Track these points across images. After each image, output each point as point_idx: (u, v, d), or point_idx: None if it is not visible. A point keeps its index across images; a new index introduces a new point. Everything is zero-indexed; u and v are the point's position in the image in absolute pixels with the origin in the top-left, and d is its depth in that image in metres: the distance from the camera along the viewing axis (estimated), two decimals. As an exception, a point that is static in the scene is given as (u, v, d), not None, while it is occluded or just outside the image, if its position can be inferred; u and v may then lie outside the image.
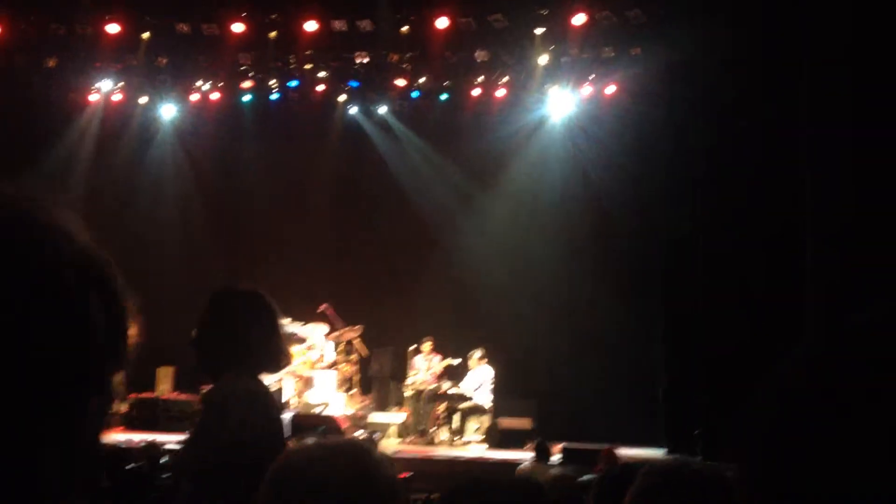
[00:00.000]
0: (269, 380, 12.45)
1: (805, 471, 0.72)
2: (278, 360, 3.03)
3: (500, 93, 15.56)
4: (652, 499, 1.74)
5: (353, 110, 16.59)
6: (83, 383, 0.75)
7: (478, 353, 13.15)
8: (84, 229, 0.81)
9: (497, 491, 1.96)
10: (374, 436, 11.62)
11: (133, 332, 0.81)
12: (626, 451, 9.04)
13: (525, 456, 10.00)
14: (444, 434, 12.91)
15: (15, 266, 0.72)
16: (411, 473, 7.93)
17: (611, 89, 15.03)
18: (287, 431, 11.12)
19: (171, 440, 9.28)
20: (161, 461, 6.93)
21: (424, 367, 13.51)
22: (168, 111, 16.56)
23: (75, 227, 0.79)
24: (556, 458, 9.22)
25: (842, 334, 0.76)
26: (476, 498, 1.93)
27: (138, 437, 9.62)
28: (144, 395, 13.69)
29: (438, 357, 13.54)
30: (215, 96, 16.17)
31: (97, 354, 0.77)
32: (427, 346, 13.61)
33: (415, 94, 15.90)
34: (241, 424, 2.68)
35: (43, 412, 0.71)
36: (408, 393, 13.43)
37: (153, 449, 7.05)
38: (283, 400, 12.95)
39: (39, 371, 0.71)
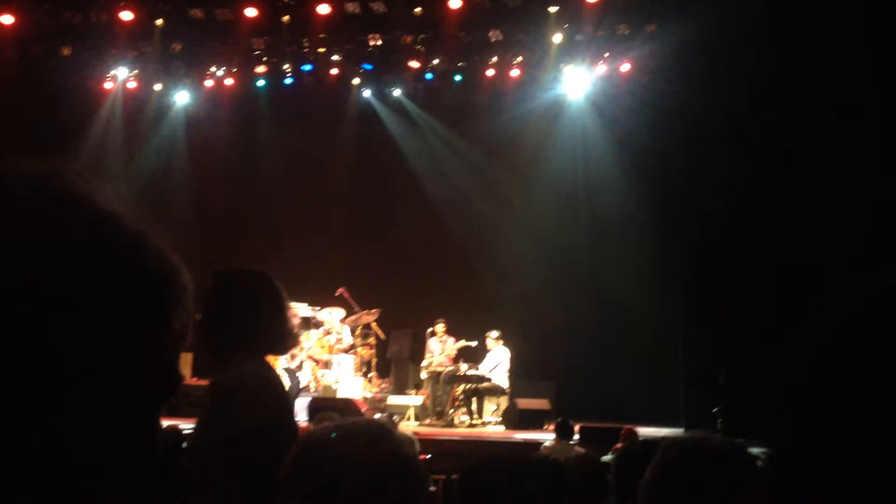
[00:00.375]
0: (285, 362, 12.49)
1: (835, 443, 0.71)
2: (286, 341, 2.98)
3: (515, 73, 15.48)
4: (673, 472, 1.72)
5: (368, 93, 16.56)
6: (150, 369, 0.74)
7: (494, 334, 13.15)
8: (158, 232, 0.80)
9: (517, 469, 1.96)
10: (392, 418, 11.66)
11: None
12: (645, 431, 9.03)
13: (543, 437, 10.01)
14: (462, 415, 12.94)
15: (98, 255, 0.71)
16: (430, 455, 7.95)
17: (626, 67, 14.92)
18: (304, 415, 11.19)
19: (192, 426, 9.36)
20: (183, 446, 6.97)
21: (439, 349, 13.53)
22: (183, 97, 16.60)
23: (119, 203, 0.79)
24: (575, 437, 9.21)
25: (865, 301, 0.74)
26: (495, 476, 1.92)
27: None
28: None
29: (452, 339, 13.56)
30: (230, 82, 16.18)
31: (163, 349, 0.76)
32: (440, 328, 13.62)
33: (429, 76, 15.85)
34: (255, 410, 2.66)
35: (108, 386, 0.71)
36: (424, 375, 13.46)
37: (175, 434, 7.09)
38: (302, 384, 13.01)
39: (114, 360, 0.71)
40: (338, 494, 1.34)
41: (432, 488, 6.79)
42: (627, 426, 8.57)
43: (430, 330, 13.70)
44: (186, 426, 8.61)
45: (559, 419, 8.87)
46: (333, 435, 1.42)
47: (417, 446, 1.49)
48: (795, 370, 0.76)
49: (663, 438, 2.06)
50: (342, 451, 1.38)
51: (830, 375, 0.73)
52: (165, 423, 8.46)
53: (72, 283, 0.70)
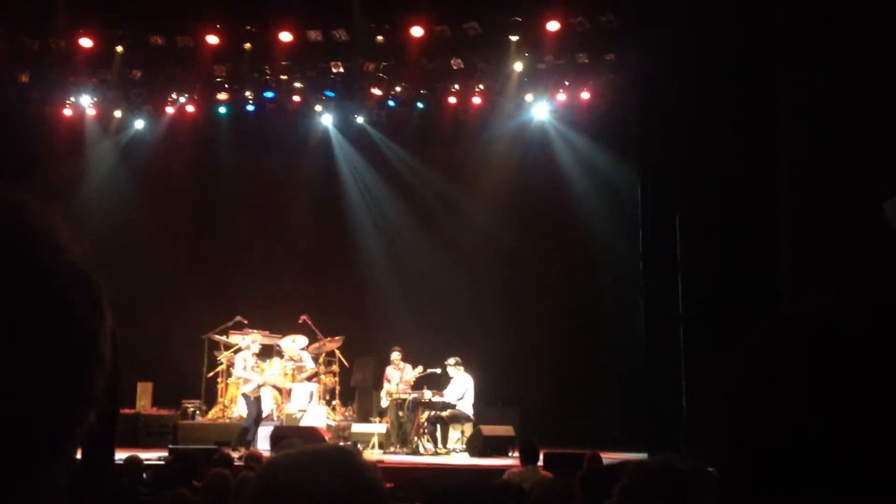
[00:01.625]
0: (247, 388, 12.42)
1: (761, 465, 0.73)
2: None
3: (477, 100, 15.60)
4: (638, 494, 1.74)
5: (330, 120, 16.58)
6: (73, 391, 0.74)
7: (452, 361, 13.10)
8: (77, 238, 0.80)
9: (479, 495, 1.96)
10: (357, 446, 11.57)
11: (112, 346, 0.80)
12: (609, 456, 9.04)
13: (509, 463, 9.96)
14: (427, 443, 12.87)
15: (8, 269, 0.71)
16: (394, 484, 7.89)
17: (586, 95, 15.12)
18: (267, 443, 11.06)
19: (152, 456, 9.21)
20: (142, 476, 6.87)
21: (396, 376, 13.47)
22: (143, 124, 16.50)
23: (69, 235, 0.79)
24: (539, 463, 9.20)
25: (779, 327, 0.78)
26: (466, 490, 1.93)
27: (119, 454, 9.52)
28: (124, 411, 13.58)
29: (409, 366, 13.49)
30: (191, 108, 16.11)
31: (87, 362, 0.76)
32: (396, 355, 13.54)
33: (391, 104, 15.92)
34: None
35: (39, 418, 0.70)
36: (385, 403, 13.39)
37: (134, 464, 6.99)
38: (265, 413, 12.90)
39: (32, 376, 0.70)
40: None
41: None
42: (591, 451, 8.58)
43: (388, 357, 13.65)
44: (146, 455, 8.49)
45: (523, 442, 8.84)
46: (294, 461, 1.42)
47: (379, 474, 1.48)
48: (719, 403, 0.79)
49: (628, 462, 2.08)
50: (305, 477, 1.38)
51: (742, 406, 0.76)
52: (126, 453, 8.34)
53: (12, 313, 0.70)
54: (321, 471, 1.38)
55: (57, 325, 0.73)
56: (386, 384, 13.48)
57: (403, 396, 13.10)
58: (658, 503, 1.69)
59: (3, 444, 0.69)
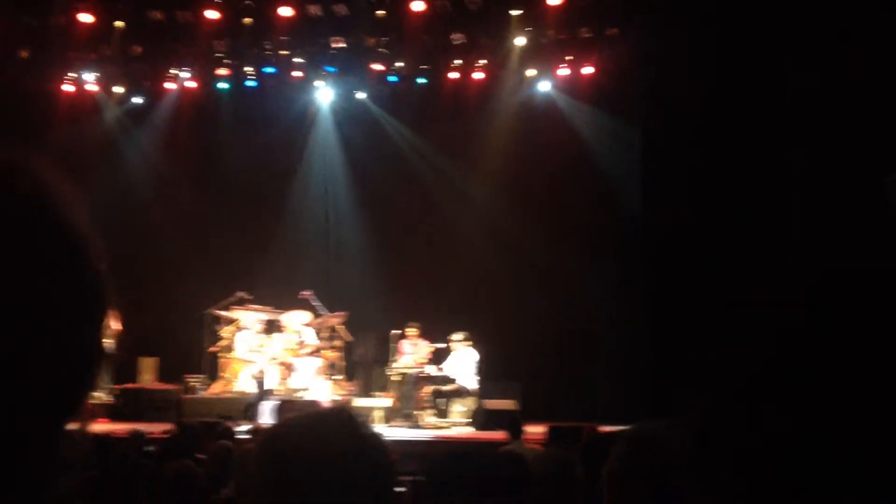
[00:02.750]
0: (252, 368, 12.52)
1: None
2: None
3: (479, 75, 15.54)
4: (636, 457, 1.76)
5: (330, 95, 16.52)
6: (66, 347, 0.75)
7: (458, 336, 13.15)
8: (80, 206, 0.81)
9: (480, 461, 1.98)
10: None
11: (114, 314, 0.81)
12: (611, 430, 9.08)
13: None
14: (429, 417, 12.94)
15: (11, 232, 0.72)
16: (397, 457, 7.93)
17: (588, 70, 15.05)
18: (272, 417, 11.13)
19: (156, 430, 9.27)
20: (146, 449, 6.93)
21: (411, 351, 13.50)
22: (143, 100, 16.46)
23: (70, 202, 0.79)
24: (539, 435, 9.25)
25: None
26: (460, 469, 1.94)
27: (123, 428, 9.58)
28: (128, 385, 13.65)
29: (425, 342, 13.52)
30: (191, 84, 16.07)
31: (80, 323, 0.77)
32: (412, 331, 13.58)
33: (392, 79, 15.86)
34: None
35: (28, 378, 0.71)
36: (394, 377, 13.44)
37: (138, 437, 7.04)
38: (267, 387, 12.96)
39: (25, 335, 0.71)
40: (304, 483, 1.34)
41: (402, 489, 6.79)
42: (589, 424, 8.62)
43: (394, 332, 13.66)
44: (151, 428, 8.56)
45: (508, 417, 8.89)
46: (299, 423, 1.43)
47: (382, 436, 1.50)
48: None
49: (624, 431, 2.10)
50: (308, 439, 1.39)
51: None
52: (130, 426, 8.40)
53: (23, 277, 0.71)
54: (324, 433, 1.39)
55: (62, 286, 0.74)
56: (399, 358, 13.50)
57: (405, 371, 13.15)
58: (653, 465, 1.70)
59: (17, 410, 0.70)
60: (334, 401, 13.14)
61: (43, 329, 0.71)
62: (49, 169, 0.80)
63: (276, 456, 1.41)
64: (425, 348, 13.42)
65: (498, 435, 10.98)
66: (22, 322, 0.70)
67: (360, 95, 16.41)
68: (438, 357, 13.43)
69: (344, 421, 1.43)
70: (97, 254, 0.78)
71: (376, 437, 1.45)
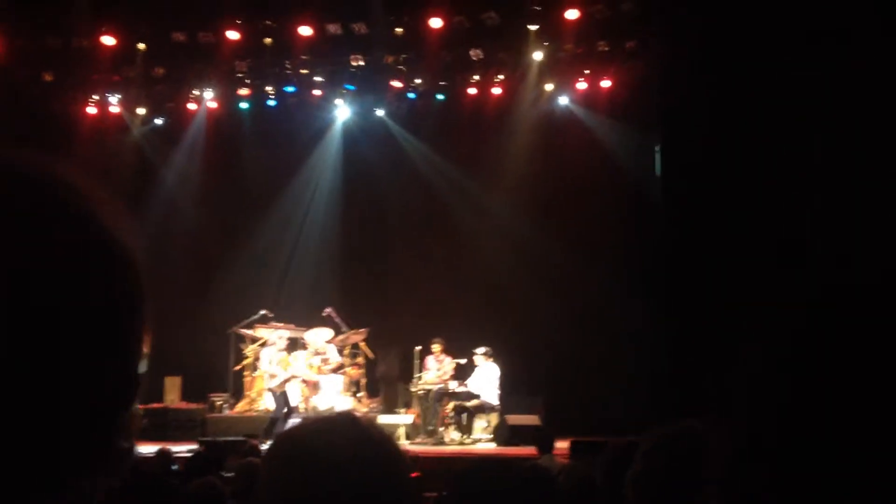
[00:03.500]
0: (273, 383, 12.55)
1: None
2: None
3: (497, 90, 15.58)
4: (660, 456, 1.77)
5: (351, 113, 16.62)
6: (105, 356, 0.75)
7: (481, 350, 13.15)
8: (120, 214, 0.81)
9: (507, 473, 1.98)
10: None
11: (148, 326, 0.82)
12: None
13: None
14: (453, 433, 12.92)
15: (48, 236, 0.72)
16: (421, 474, 7.92)
17: (606, 84, 15.06)
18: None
19: (181, 449, 9.32)
20: (173, 467, 6.96)
21: (435, 367, 13.51)
22: (165, 121, 16.63)
23: (112, 213, 0.80)
24: (562, 450, 9.23)
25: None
26: (486, 481, 1.95)
27: (149, 448, 9.63)
28: (153, 405, 13.72)
29: (449, 358, 13.52)
30: (213, 105, 16.21)
31: (117, 330, 0.77)
32: (437, 347, 13.58)
33: (411, 96, 15.94)
34: None
35: (66, 375, 0.71)
36: (418, 393, 13.43)
37: (166, 455, 7.07)
38: (290, 405, 12.98)
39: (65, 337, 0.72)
40: (312, 483, 1.35)
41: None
42: (613, 439, 8.58)
43: (418, 348, 13.67)
44: (175, 448, 8.60)
45: (538, 432, 8.86)
46: (310, 427, 1.44)
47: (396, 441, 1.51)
48: None
49: (643, 439, 2.10)
50: (319, 442, 1.40)
51: None
52: (155, 446, 8.44)
53: (61, 285, 0.71)
54: (336, 435, 1.40)
55: (110, 299, 0.74)
56: (425, 374, 13.50)
57: (428, 387, 13.15)
58: (677, 463, 1.71)
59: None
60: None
61: (86, 346, 0.72)
62: (90, 181, 0.81)
63: (285, 457, 1.43)
64: (449, 364, 13.42)
65: (524, 451, 10.96)
66: (67, 337, 0.71)
67: (380, 113, 16.49)
68: (462, 373, 13.42)
69: (355, 424, 1.44)
70: (140, 268, 0.79)
71: (388, 440, 1.46)
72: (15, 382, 0.69)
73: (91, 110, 16.10)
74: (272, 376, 12.84)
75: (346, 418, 1.47)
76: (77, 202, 0.76)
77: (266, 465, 1.46)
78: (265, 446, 9.93)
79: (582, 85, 15.36)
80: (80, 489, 0.74)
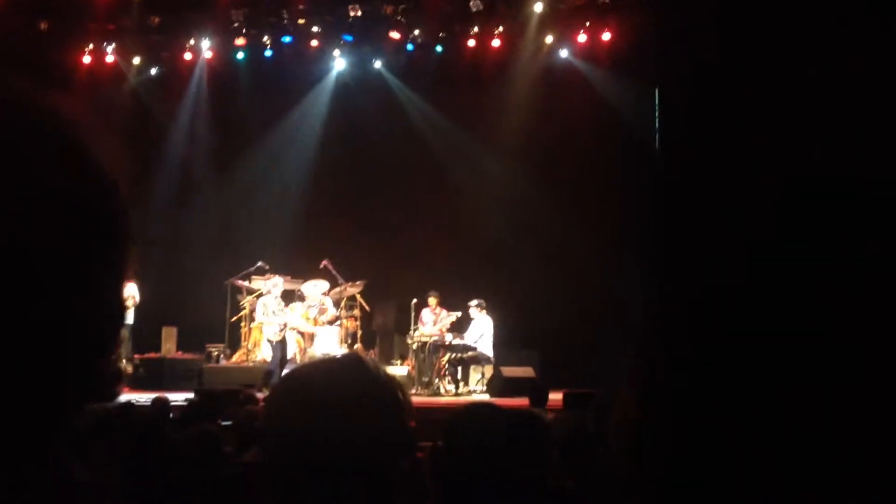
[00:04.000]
0: (270, 332, 12.56)
1: None
2: None
3: (496, 43, 15.44)
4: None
5: (348, 65, 16.47)
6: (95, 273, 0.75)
7: (475, 303, 13.20)
8: (107, 146, 0.81)
9: (502, 415, 2.00)
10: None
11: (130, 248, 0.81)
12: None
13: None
14: (448, 385, 13.02)
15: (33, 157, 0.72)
16: (415, 424, 7.98)
17: (607, 36, 14.92)
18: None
19: (178, 398, 9.37)
20: (169, 416, 7.01)
21: (431, 320, 13.56)
22: (162, 71, 16.47)
23: (96, 140, 0.79)
24: (555, 402, 9.29)
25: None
26: (482, 420, 1.97)
27: (145, 396, 9.70)
28: (150, 355, 13.79)
29: (445, 311, 13.56)
30: (209, 55, 16.06)
31: (106, 269, 0.77)
32: (433, 300, 13.62)
33: (410, 47, 15.79)
34: None
35: (58, 295, 0.72)
36: (414, 345, 13.51)
37: (162, 404, 7.12)
38: (288, 356, 13.06)
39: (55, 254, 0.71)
40: (321, 422, 1.37)
41: (419, 455, 6.85)
42: (601, 391, 8.62)
43: (414, 301, 13.71)
44: (172, 397, 8.65)
45: (532, 386, 8.92)
46: (313, 368, 1.46)
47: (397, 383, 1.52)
48: None
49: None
50: (323, 381, 1.41)
51: None
52: (152, 394, 8.49)
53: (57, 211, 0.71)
54: (342, 376, 1.42)
55: (92, 225, 0.74)
56: (421, 327, 13.56)
57: (425, 339, 13.22)
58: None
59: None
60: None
61: (68, 270, 0.72)
62: (72, 107, 0.80)
63: (290, 394, 1.44)
64: (446, 317, 13.47)
65: (518, 402, 11.04)
66: (43, 263, 0.71)
67: (377, 65, 16.35)
68: (457, 325, 13.48)
69: (358, 365, 1.45)
70: (123, 195, 0.78)
71: (389, 380, 1.47)
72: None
73: (86, 60, 15.94)
74: (269, 325, 12.89)
75: (354, 360, 1.48)
76: (58, 129, 0.75)
77: (271, 402, 1.48)
78: (262, 395, 10.01)
79: (582, 38, 15.21)
80: (70, 415, 0.74)
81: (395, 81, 16.37)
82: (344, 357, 1.52)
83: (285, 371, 12.34)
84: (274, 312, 12.91)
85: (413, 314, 13.76)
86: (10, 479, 0.68)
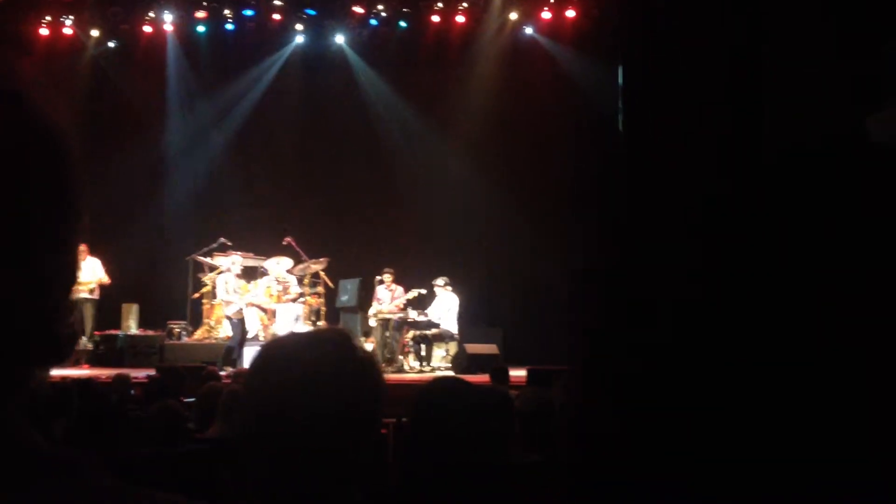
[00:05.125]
0: (230, 310, 12.44)
1: None
2: None
3: (460, 19, 15.38)
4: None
5: (309, 39, 16.30)
6: (45, 233, 0.74)
7: (441, 281, 13.22)
8: (58, 112, 0.80)
9: (470, 389, 2.01)
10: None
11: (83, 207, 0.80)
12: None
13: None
14: (412, 361, 13.05)
15: None
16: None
17: (571, 14, 14.93)
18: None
19: (139, 375, 9.31)
20: (130, 392, 6.96)
21: (388, 297, 13.55)
22: (120, 43, 16.20)
23: (47, 105, 0.78)
24: (519, 378, 9.36)
25: None
26: (451, 393, 1.98)
27: (106, 373, 9.62)
28: (111, 331, 13.66)
29: (402, 288, 13.55)
30: (169, 28, 15.83)
31: (58, 235, 0.76)
32: (388, 277, 13.61)
33: (373, 22, 15.68)
34: None
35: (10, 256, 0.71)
36: (373, 323, 13.51)
37: (123, 381, 7.06)
38: (250, 334, 12.99)
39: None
40: (298, 391, 1.37)
41: (382, 430, 6.87)
42: (565, 367, 8.71)
43: (377, 278, 13.70)
44: (133, 374, 8.59)
45: (495, 366, 9.00)
46: (289, 340, 1.45)
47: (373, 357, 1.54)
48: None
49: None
50: (300, 353, 1.41)
51: None
52: (113, 371, 8.42)
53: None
54: (316, 347, 1.42)
55: (44, 191, 0.73)
56: (375, 304, 13.55)
57: (389, 316, 13.22)
58: None
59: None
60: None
61: (21, 230, 0.71)
62: (22, 71, 0.79)
63: (268, 367, 1.44)
64: (402, 294, 13.46)
65: (481, 378, 11.11)
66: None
67: (339, 40, 16.20)
68: (421, 302, 13.49)
69: (335, 339, 1.45)
70: (76, 158, 0.78)
71: (365, 354, 1.48)
72: None
73: (44, 32, 15.63)
74: (228, 303, 12.80)
75: (330, 334, 1.48)
76: (10, 90, 0.74)
77: (250, 372, 1.47)
78: (223, 373, 9.97)
79: (547, 14, 15.20)
80: (25, 379, 0.74)
81: (355, 58, 16.23)
82: (331, 331, 1.52)
83: (245, 350, 12.28)
84: (236, 290, 12.81)
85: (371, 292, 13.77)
86: None
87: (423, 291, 13.39)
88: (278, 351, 1.46)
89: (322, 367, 1.39)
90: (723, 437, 0.75)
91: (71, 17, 15.50)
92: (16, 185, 0.71)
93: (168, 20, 15.67)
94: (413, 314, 13.17)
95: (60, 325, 0.75)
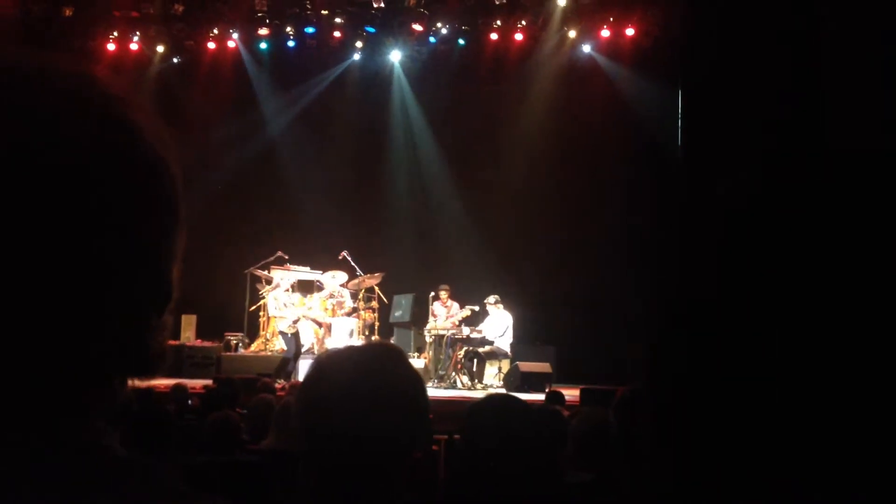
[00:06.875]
0: (284, 325, 12.51)
1: None
2: None
3: (519, 37, 15.40)
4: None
5: (368, 57, 16.45)
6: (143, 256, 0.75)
7: (492, 299, 13.18)
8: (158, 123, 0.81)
9: (522, 407, 2.01)
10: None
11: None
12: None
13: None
14: (463, 378, 13.02)
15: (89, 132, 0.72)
16: (432, 416, 7.99)
17: (630, 32, 14.85)
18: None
19: (196, 384, 9.44)
20: (188, 402, 7.06)
21: (443, 313, 13.56)
22: (185, 59, 16.53)
23: (149, 117, 0.80)
24: (572, 398, 9.29)
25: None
26: (501, 411, 1.97)
27: (164, 383, 9.76)
28: (170, 342, 13.84)
29: (457, 305, 13.55)
30: (232, 45, 16.12)
31: (155, 234, 0.77)
32: (444, 293, 13.62)
33: (432, 40, 15.77)
34: None
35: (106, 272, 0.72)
36: (428, 339, 13.52)
37: (181, 391, 7.17)
38: (305, 347, 13.09)
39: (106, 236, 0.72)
40: (337, 408, 1.38)
41: (434, 447, 6.86)
42: (622, 388, 8.60)
43: (432, 294, 13.73)
44: (190, 384, 8.71)
45: (549, 391, 8.95)
46: (341, 354, 1.47)
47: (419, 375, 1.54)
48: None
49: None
50: (350, 367, 1.43)
51: None
52: (171, 381, 8.54)
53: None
54: (365, 361, 1.43)
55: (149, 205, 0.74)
56: (431, 320, 13.57)
57: (443, 332, 13.22)
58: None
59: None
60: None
61: (120, 245, 0.72)
62: (122, 85, 0.80)
63: (319, 380, 1.46)
64: (458, 310, 13.46)
65: (532, 397, 11.04)
66: (101, 236, 0.71)
67: (396, 57, 16.32)
68: (473, 319, 13.47)
69: (385, 354, 1.47)
70: (178, 172, 0.79)
71: (413, 370, 1.49)
72: (54, 281, 0.69)
73: (110, 47, 16.03)
74: (280, 318, 12.93)
75: (380, 349, 1.50)
76: (112, 105, 0.76)
77: (303, 384, 1.49)
78: (278, 385, 10.06)
79: (605, 33, 15.14)
80: (114, 389, 0.76)
81: (417, 73, 16.30)
82: (381, 347, 1.54)
83: (300, 363, 12.38)
84: (285, 305, 12.94)
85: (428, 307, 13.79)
86: (45, 433, 0.69)
87: (476, 308, 13.37)
88: (329, 366, 1.48)
89: (369, 387, 1.40)
90: (797, 460, 0.75)
91: (137, 33, 15.86)
92: (120, 198, 0.72)
93: (232, 37, 15.94)
94: (466, 331, 13.16)
95: (153, 340, 0.76)
